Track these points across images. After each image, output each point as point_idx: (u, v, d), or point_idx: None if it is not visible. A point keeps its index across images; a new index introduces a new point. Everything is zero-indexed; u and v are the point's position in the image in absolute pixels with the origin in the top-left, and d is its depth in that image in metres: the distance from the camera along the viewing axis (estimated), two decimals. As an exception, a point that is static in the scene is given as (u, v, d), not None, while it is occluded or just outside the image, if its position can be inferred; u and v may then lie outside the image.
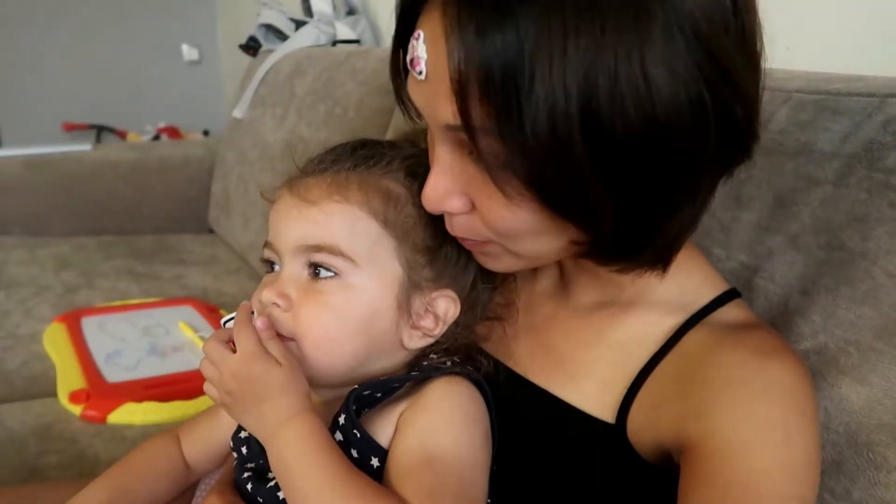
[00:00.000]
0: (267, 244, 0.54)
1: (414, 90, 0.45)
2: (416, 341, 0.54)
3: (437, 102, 0.43)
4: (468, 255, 0.53)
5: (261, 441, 0.49)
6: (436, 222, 0.52)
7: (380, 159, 0.54)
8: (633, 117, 0.38)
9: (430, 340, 0.54)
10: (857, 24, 0.80)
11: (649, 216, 0.43)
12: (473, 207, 0.47)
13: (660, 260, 0.48)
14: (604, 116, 0.38)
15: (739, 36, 0.41)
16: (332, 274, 0.51)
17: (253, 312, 0.52)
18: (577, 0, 0.37)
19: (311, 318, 0.51)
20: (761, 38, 0.43)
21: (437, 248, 0.53)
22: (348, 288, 0.51)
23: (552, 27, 0.37)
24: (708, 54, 0.39)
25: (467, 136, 0.41)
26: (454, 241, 0.52)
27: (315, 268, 0.51)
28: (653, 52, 0.37)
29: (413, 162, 0.54)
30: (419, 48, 0.42)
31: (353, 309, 0.51)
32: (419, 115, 0.48)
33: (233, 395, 0.50)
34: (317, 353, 0.51)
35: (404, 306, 0.52)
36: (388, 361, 0.54)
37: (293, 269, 0.52)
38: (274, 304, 0.51)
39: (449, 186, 0.46)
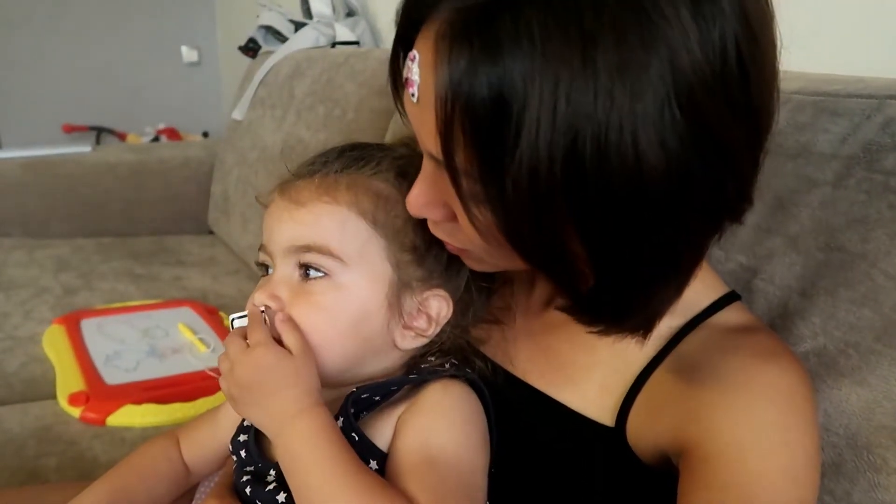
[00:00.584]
0: (261, 247, 0.55)
1: (407, 106, 0.45)
2: (408, 341, 0.54)
3: (423, 130, 0.42)
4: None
5: (269, 436, 0.49)
6: (426, 222, 0.52)
7: (369, 160, 0.54)
8: (619, 185, 0.36)
9: (424, 341, 0.54)
10: (857, 26, 0.80)
11: (630, 283, 0.42)
12: (455, 217, 0.46)
13: (641, 327, 0.45)
14: (588, 181, 0.36)
15: (744, 113, 0.38)
16: (322, 274, 0.51)
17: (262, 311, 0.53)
18: (572, 59, 0.34)
19: (302, 318, 0.51)
20: (773, 112, 0.41)
21: (427, 248, 0.53)
22: (338, 288, 0.51)
23: (543, 84, 0.35)
24: (705, 131, 0.36)
25: (448, 175, 0.40)
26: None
27: (306, 269, 0.52)
28: (646, 125, 0.35)
29: (403, 163, 0.54)
30: (414, 70, 0.41)
31: (343, 309, 0.51)
32: None
33: (242, 387, 0.49)
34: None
35: (395, 306, 0.52)
36: (382, 362, 0.54)
37: (285, 271, 0.53)
38: (266, 305, 0.52)
39: (431, 197, 0.47)
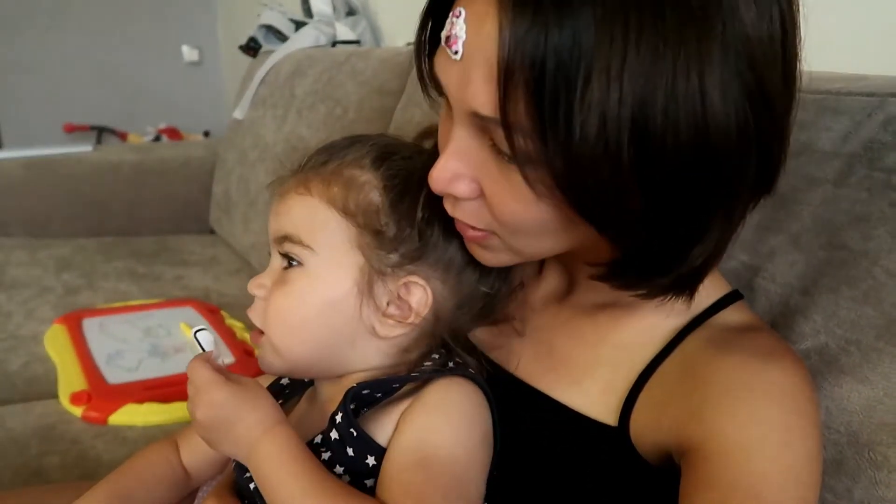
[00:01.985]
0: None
1: (444, 68, 0.44)
2: (388, 329, 0.53)
3: (469, 88, 0.41)
4: (446, 242, 0.53)
5: (244, 463, 0.50)
6: (400, 209, 0.52)
7: (351, 150, 0.55)
8: (685, 134, 0.37)
9: (406, 329, 0.54)
10: (858, 24, 0.80)
11: (679, 238, 0.42)
12: (481, 194, 0.46)
13: (685, 287, 0.46)
14: (656, 129, 0.37)
15: (786, 77, 0.40)
16: (298, 263, 0.53)
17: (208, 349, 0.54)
18: (642, 9, 0.35)
19: (275, 304, 0.54)
20: (798, 85, 0.42)
21: (399, 234, 0.52)
22: (309, 275, 0.53)
23: (614, 32, 0.35)
24: (759, 83, 0.38)
25: (504, 131, 0.40)
26: (425, 227, 0.52)
27: (287, 258, 0.54)
28: (712, 72, 0.36)
29: (383, 149, 0.55)
30: (458, 26, 0.41)
31: (310, 296, 0.53)
32: (439, 92, 0.46)
33: (206, 428, 0.51)
34: (276, 338, 0.54)
35: (367, 292, 0.53)
36: (365, 351, 0.54)
37: (275, 261, 0.55)
38: (255, 293, 0.55)
39: (460, 170, 0.45)
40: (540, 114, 0.38)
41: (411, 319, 0.53)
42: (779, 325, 0.57)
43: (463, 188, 0.46)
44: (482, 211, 0.46)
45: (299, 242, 0.52)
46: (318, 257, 0.52)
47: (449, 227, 0.52)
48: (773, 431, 0.45)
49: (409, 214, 0.52)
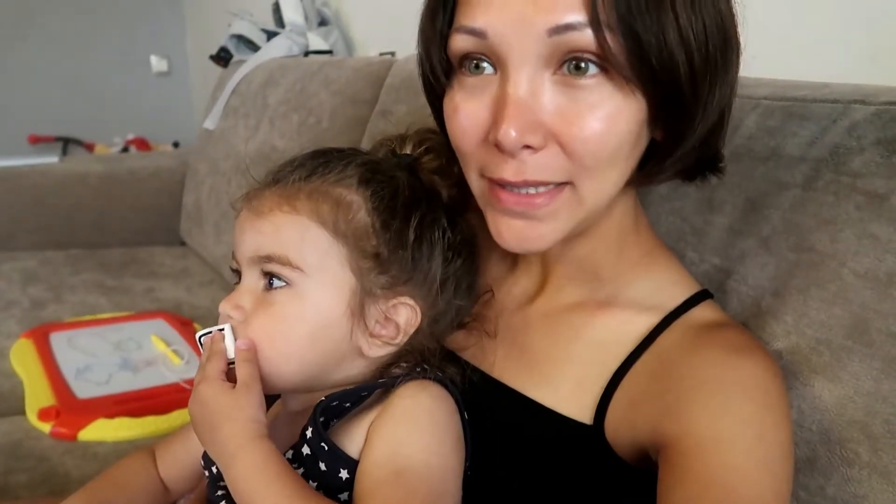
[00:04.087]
0: (232, 256, 0.55)
1: (496, 9, 0.44)
2: (375, 349, 0.53)
3: (544, 3, 0.43)
4: (430, 260, 0.53)
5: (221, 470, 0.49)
6: (390, 230, 0.52)
7: (333, 167, 0.54)
8: (717, 38, 0.46)
9: (392, 349, 0.54)
10: (823, 34, 0.82)
11: (705, 116, 0.48)
12: (551, 140, 0.45)
13: (716, 159, 0.53)
14: (707, 35, 0.45)
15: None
16: (284, 284, 0.51)
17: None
18: None
19: (261, 327, 0.51)
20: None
21: (390, 255, 0.52)
22: (299, 297, 0.51)
23: None
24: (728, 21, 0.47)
25: (593, 30, 0.42)
26: (412, 248, 0.52)
27: (269, 278, 0.52)
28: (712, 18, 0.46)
29: (366, 168, 0.54)
30: None
31: (303, 318, 0.51)
32: (453, 69, 0.48)
33: (194, 423, 0.50)
34: (266, 362, 0.51)
35: (359, 314, 0.52)
36: (349, 369, 0.54)
37: (250, 280, 0.53)
38: (230, 315, 0.52)
39: (529, 117, 0.45)
40: (629, 9, 0.42)
41: (399, 339, 0.53)
42: (751, 327, 0.58)
43: (537, 135, 0.45)
44: (555, 156, 0.46)
45: (287, 263, 0.51)
46: (308, 279, 0.51)
47: (432, 243, 0.53)
48: (746, 425, 0.46)
49: (400, 236, 0.52)
